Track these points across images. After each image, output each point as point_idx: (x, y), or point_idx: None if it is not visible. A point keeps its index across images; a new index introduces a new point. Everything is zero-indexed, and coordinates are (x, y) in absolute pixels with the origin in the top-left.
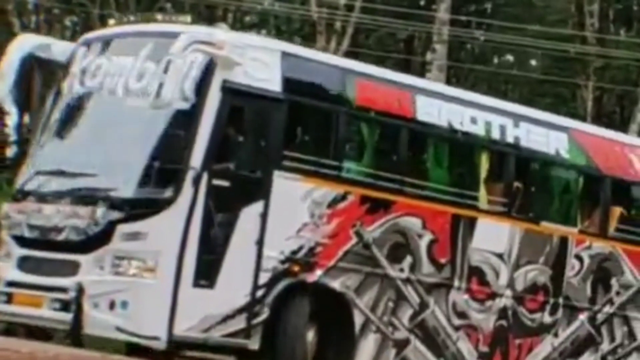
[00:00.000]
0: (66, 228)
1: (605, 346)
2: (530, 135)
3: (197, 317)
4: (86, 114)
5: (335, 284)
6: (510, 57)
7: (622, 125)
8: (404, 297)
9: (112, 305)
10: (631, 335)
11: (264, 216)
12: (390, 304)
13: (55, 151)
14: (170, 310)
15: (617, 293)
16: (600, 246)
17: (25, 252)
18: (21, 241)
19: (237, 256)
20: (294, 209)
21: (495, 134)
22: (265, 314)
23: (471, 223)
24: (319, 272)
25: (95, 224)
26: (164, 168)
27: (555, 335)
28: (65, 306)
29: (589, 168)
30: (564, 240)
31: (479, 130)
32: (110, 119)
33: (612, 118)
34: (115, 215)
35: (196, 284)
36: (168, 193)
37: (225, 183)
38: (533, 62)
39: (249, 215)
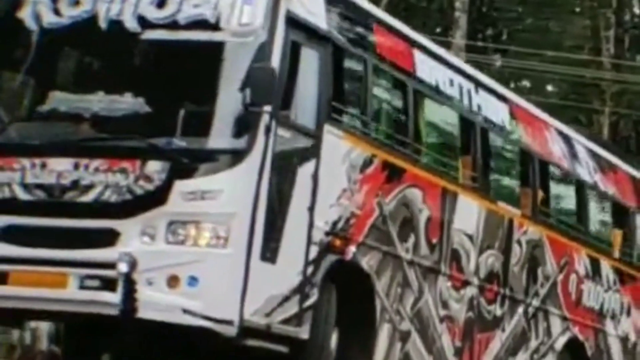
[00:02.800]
0: (95, 187)
1: (533, 344)
2: (487, 103)
3: (262, 298)
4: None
5: (364, 264)
6: (527, 83)
7: (639, 150)
8: (407, 282)
9: (173, 282)
10: (549, 332)
11: (315, 178)
12: (399, 290)
13: (50, 92)
14: (242, 289)
15: (541, 285)
16: (532, 231)
17: (16, 220)
18: (7, 206)
19: (294, 224)
20: (337, 172)
21: (465, 100)
22: (314, 297)
23: (454, 199)
24: (353, 249)
25: (145, 180)
26: (236, 112)
27: (503, 330)
28: (107, 284)
29: (524, 145)
30: (510, 224)
31: (455, 93)
32: (153, 51)
33: (628, 143)
34: (174, 169)
35: (263, 256)
36: (241, 143)
37: (287, 135)
38: (550, 88)
39: (303, 175)
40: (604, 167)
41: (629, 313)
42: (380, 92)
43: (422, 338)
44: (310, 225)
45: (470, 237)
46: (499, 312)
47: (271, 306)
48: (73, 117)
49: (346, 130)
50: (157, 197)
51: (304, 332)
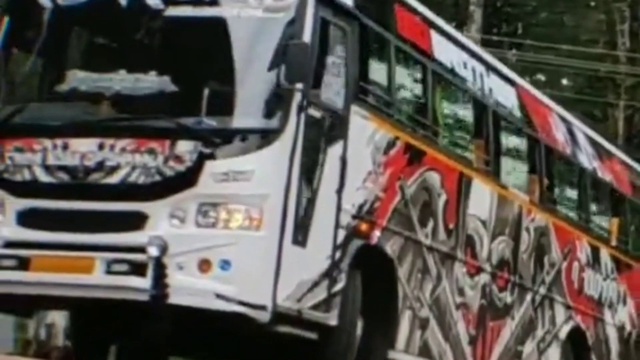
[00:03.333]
0: (122, 168)
1: (539, 333)
2: (497, 86)
3: (294, 282)
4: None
5: (388, 249)
6: (542, 77)
7: None
8: (427, 268)
9: (205, 267)
10: (554, 321)
11: (343, 160)
12: (419, 276)
13: (69, 72)
14: (275, 273)
15: (547, 272)
16: (539, 218)
17: (37, 203)
18: (27, 188)
19: (323, 207)
20: (363, 154)
21: (478, 82)
22: (342, 282)
23: (469, 183)
24: (377, 234)
25: (175, 161)
26: (268, 90)
27: (513, 318)
28: (135, 269)
29: (531, 129)
30: (520, 210)
31: (469, 76)
32: (178, 27)
33: None
34: (205, 149)
35: (295, 240)
36: (274, 122)
37: (317, 114)
38: (565, 82)
39: (332, 157)
40: (601, 153)
41: (625, 302)
42: (401, 72)
43: (440, 325)
44: (338, 208)
45: (483, 223)
46: (509, 299)
47: (302, 291)
48: (94, 97)
49: (371, 110)
50: (188, 178)
51: (332, 318)
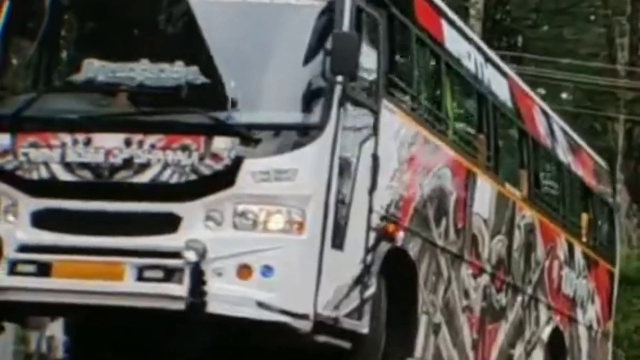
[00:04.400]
0: (152, 166)
1: (527, 335)
2: (494, 78)
3: (332, 289)
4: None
5: (411, 252)
6: (542, 91)
7: None
8: (440, 270)
9: (244, 273)
10: (538, 322)
11: (375, 158)
12: (433, 279)
13: (86, 61)
14: (316, 280)
15: (533, 272)
16: (528, 215)
17: (56, 203)
18: (44, 187)
19: (357, 208)
20: (390, 151)
21: (480, 75)
22: (373, 287)
23: (474, 179)
24: (402, 235)
25: (212, 158)
26: (309, 82)
27: (507, 320)
28: (169, 275)
29: (521, 122)
30: (513, 207)
31: (472, 67)
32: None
33: None
34: (243, 146)
35: (334, 243)
36: (315, 117)
37: (352, 109)
38: (564, 95)
39: (365, 154)
40: (573, 147)
41: (593, 300)
42: (421, 63)
43: (449, 330)
44: (370, 209)
45: (485, 222)
46: (504, 301)
47: (338, 298)
48: (114, 88)
49: (398, 105)
50: (225, 177)
51: (364, 326)
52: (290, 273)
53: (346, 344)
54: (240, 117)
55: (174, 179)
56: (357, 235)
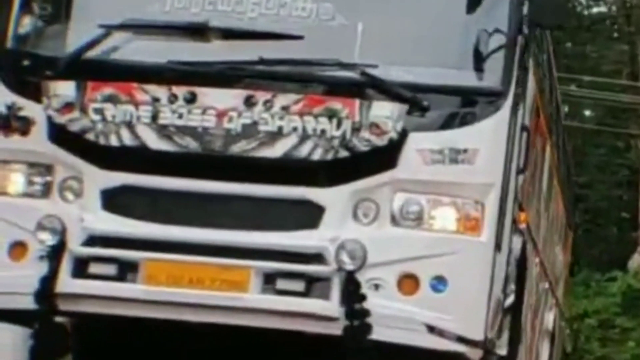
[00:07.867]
0: (285, 136)
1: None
2: None
3: (491, 304)
4: None
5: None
6: (564, 108)
7: None
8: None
9: (408, 286)
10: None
11: (525, 129)
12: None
13: None
14: (488, 295)
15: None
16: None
17: (143, 180)
18: (125, 157)
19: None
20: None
21: None
22: (512, 296)
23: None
24: (524, 227)
25: (371, 130)
26: (487, 36)
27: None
28: (309, 288)
29: None
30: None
31: None
32: None
33: None
34: (410, 115)
35: (497, 246)
36: (496, 81)
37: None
38: (587, 113)
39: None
40: None
41: None
42: None
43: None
44: (515, 196)
45: None
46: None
47: (492, 315)
48: (224, 29)
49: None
50: (386, 156)
51: (503, 347)
52: (466, 287)
53: None
54: (410, 76)
55: (317, 155)
56: (506, 230)
